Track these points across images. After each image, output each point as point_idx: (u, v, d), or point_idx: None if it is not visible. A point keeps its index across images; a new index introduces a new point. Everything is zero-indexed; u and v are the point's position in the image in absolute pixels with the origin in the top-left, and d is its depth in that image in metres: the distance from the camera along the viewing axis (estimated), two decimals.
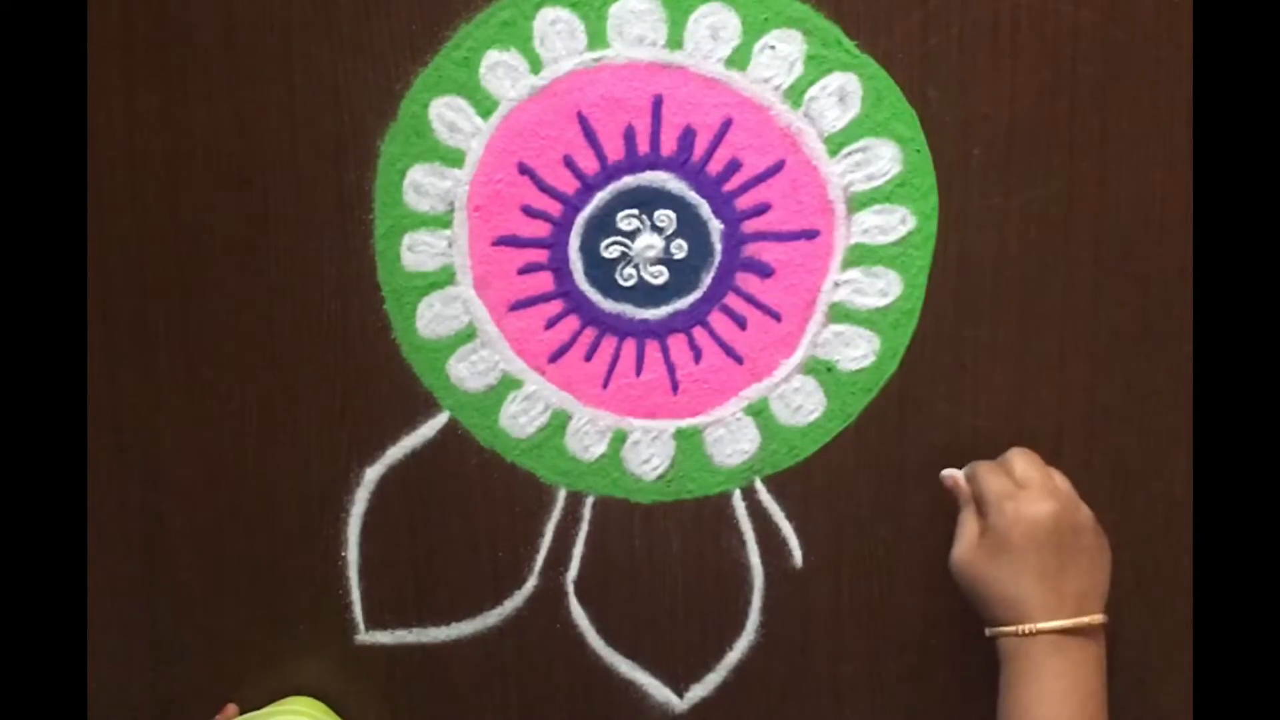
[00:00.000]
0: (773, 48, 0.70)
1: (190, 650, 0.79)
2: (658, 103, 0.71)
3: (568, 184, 0.72)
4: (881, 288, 0.73)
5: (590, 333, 0.74)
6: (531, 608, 0.78)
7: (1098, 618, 0.65)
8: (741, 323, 0.74)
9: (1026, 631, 0.64)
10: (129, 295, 0.75)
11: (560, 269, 0.74)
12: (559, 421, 0.75)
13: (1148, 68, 0.70)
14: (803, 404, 0.74)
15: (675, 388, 0.75)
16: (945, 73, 0.70)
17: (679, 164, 0.72)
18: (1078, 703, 0.64)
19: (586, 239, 0.73)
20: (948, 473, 0.71)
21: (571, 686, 0.78)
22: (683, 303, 0.74)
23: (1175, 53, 0.69)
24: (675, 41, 0.70)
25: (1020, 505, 0.65)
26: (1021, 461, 0.68)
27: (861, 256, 0.72)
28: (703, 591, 0.77)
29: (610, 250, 0.73)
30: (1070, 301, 0.72)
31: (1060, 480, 0.68)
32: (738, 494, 0.76)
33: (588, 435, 0.75)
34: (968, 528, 0.68)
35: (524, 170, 0.72)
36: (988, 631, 0.67)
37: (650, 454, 0.75)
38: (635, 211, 0.73)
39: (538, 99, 0.71)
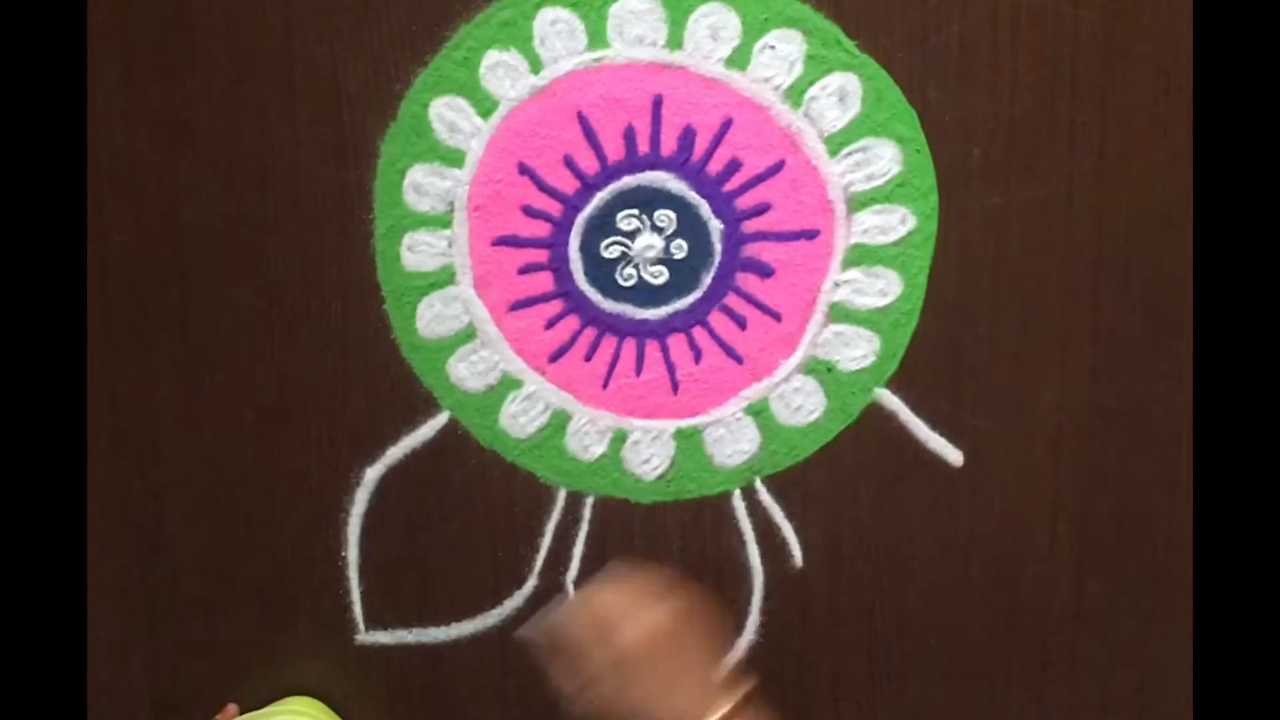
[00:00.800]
0: (773, 48, 0.70)
1: (190, 650, 0.79)
2: (658, 103, 0.71)
3: (568, 184, 0.72)
4: (881, 288, 0.73)
5: (590, 333, 0.74)
6: (531, 608, 0.77)
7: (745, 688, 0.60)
8: (741, 323, 0.74)
9: None
10: (129, 295, 0.75)
11: (560, 269, 0.74)
12: (559, 421, 0.75)
13: (1148, 68, 0.70)
14: (803, 404, 0.74)
15: (675, 388, 0.75)
16: (945, 73, 0.70)
17: (679, 164, 0.72)
18: None
19: (586, 239, 0.73)
20: None
21: None
22: (683, 303, 0.74)
23: (1175, 53, 0.69)
24: (675, 41, 0.70)
25: (646, 618, 0.61)
26: (602, 592, 0.63)
27: (861, 256, 0.72)
28: (703, 591, 0.77)
29: (610, 250, 0.73)
30: (1070, 301, 0.72)
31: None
32: (738, 494, 0.76)
33: (588, 435, 0.75)
34: (592, 661, 0.62)
35: (524, 170, 0.72)
36: None
37: (650, 454, 0.75)
38: (635, 211, 0.73)
39: (538, 99, 0.71)
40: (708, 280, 0.73)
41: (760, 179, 0.72)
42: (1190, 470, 0.74)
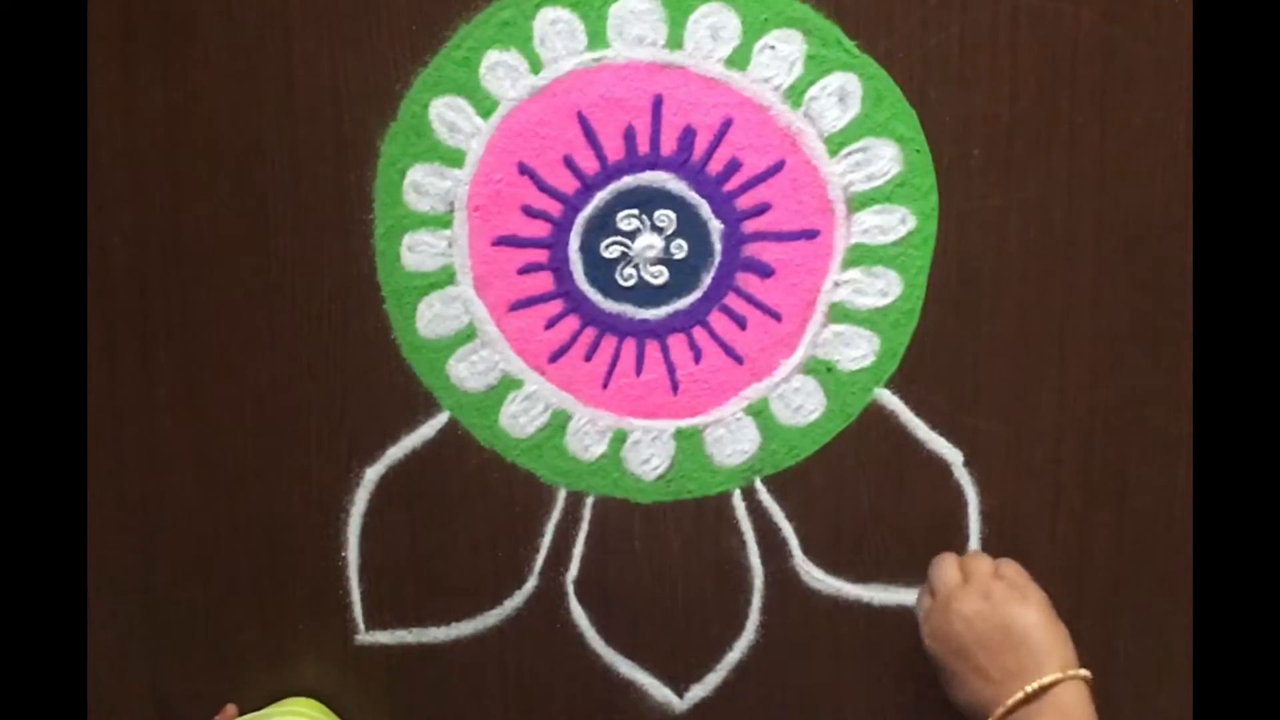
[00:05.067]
0: (773, 48, 0.70)
1: (190, 650, 0.79)
2: (658, 103, 0.71)
3: (568, 184, 0.72)
4: (881, 288, 0.73)
5: (590, 333, 0.74)
6: (531, 608, 0.78)
7: (1045, 679, 0.62)
8: (741, 323, 0.74)
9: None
10: (129, 295, 0.75)
11: (560, 269, 0.74)
12: (559, 421, 0.75)
13: (1148, 68, 0.70)
14: (803, 404, 0.74)
15: (675, 388, 0.75)
16: (945, 73, 0.70)
17: (679, 164, 0.72)
18: None
19: (586, 239, 0.73)
20: None
21: (571, 686, 0.78)
22: (683, 303, 0.74)
23: (1175, 53, 0.69)
24: (675, 41, 0.70)
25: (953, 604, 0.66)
26: (973, 560, 0.69)
27: (861, 256, 0.72)
28: (703, 591, 0.77)
29: (610, 250, 0.73)
30: (1070, 301, 0.72)
31: (1006, 573, 0.67)
32: (738, 494, 0.76)
33: (588, 435, 0.75)
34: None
35: (524, 170, 0.72)
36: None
37: (650, 454, 0.75)
38: (635, 211, 0.73)
39: (538, 99, 0.71)
40: (708, 280, 0.73)
41: (760, 179, 0.72)
42: (1190, 470, 0.74)
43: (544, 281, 0.74)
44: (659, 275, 0.73)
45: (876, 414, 0.74)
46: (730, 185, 0.72)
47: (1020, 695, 0.61)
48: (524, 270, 0.74)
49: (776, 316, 0.73)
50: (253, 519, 0.77)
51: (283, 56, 0.72)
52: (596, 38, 0.70)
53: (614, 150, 0.72)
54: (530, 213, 0.73)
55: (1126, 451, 0.74)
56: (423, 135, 0.72)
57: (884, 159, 0.71)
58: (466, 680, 0.79)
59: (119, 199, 0.74)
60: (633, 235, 0.73)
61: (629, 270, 0.73)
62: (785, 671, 0.77)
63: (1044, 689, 0.61)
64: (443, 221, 0.73)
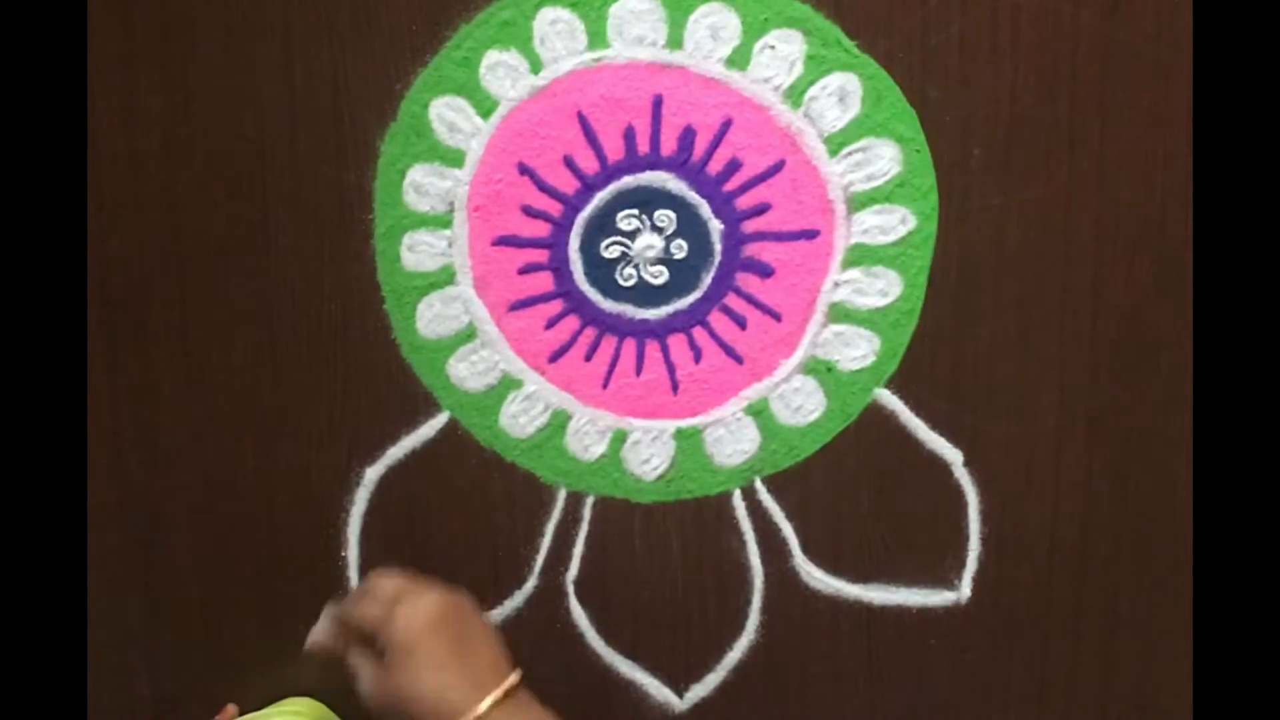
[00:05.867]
0: (773, 48, 0.70)
1: (190, 650, 0.79)
2: (658, 103, 0.71)
3: (568, 184, 0.72)
4: (881, 288, 0.73)
5: (590, 333, 0.74)
6: (531, 608, 0.78)
7: (515, 676, 0.63)
8: (741, 323, 0.74)
9: (481, 716, 0.61)
10: (129, 295, 0.75)
11: (560, 269, 0.74)
12: (559, 421, 0.75)
13: (1148, 68, 0.70)
14: (803, 404, 0.74)
15: (675, 388, 0.75)
16: (945, 73, 0.70)
17: (679, 164, 0.72)
18: None
19: (586, 239, 0.73)
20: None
21: (571, 686, 0.78)
22: (683, 303, 0.74)
23: (1175, 53, 0.69)
24: (675, 41, 0.70)
25: (411, 607, 0.62)
26: (383, 580, 0.65)
27: (861, 256, 0.72)
28: (703, 591, 0.77)
29: (610, 250, 0.73)
30: (1070, 301, 0.72)
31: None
32: (738, 494, 0.76)
33: (588, 435, 0.75)
34: (363, 663, 0.64)
35: (524, 170, 0.72)
36: None
37: (650, 454, 0.75)
38: (635, 211, 0.73)
39: (538, 99, 0.71)
40: (708, 280, 0.73)
41: (760, 179, 0.72)
42: (1190, 470, 0.74)
43: (544, 281, 0.74)
44: (659, 275, 0.73)
45: (876, 414, 0.74)
46: (730, 185, 0.72)
47: (500, 693, 0.61)
48: (524, 270, 0.74)
49: (776, 316, 0.73)
50: (253, 519, 0.77)
51: (283, 56, 0.72)
52: (596, 38, 0.70)
53: (614, 150, 0.72)
54: (530, 213, 0.73)
55: (1126, 451, 0.74)
56: (423, 135, 0.72)
57: (884, 159, 0.71)
58: None
59: (119, 199, 0.74)
60: (633, 235, 0.73)
61: (629, 270, 0.73)
62: (785, 671, 0.77)
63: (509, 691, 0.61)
64: (443, 221, 0.73)
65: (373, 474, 0.76)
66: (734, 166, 0.72)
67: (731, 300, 0.73)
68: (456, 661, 0.62)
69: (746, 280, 0.73)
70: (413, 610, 0.62)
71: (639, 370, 0.75)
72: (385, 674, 0.62)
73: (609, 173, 0.72)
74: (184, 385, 0.76)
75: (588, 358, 0.75)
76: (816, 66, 0.70)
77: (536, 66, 0.71)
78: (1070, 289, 0.72)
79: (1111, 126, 0.71)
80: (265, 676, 0.76)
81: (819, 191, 0.72)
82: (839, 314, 0.73)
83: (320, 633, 0.67)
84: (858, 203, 0.72)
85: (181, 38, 0.72)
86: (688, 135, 0.71)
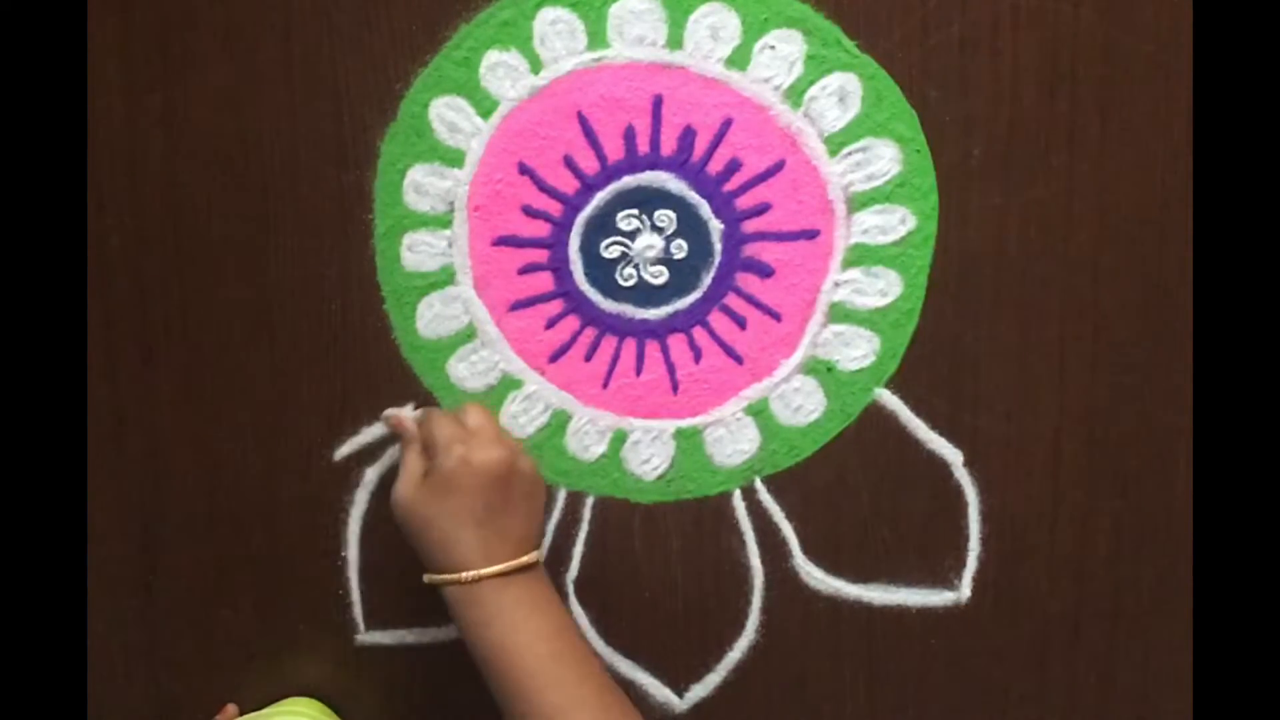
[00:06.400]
0: (773, 48, 0.70)
1: (190, 650, 0.79)
2: (658, 103, 0.71)
3: (568, 184, 0.72)
4: (881, 288, 0.73)
5: (590, 333, 0.74)
6: None
7: (534, 555, 0.66)
8: (741, 323, 0.74)
9: (469, 579, 0.63)
10: (129, 295, 0.75)
11: (560, 269, 0.74)
12: (559, 421, 0.75)
13: (1148, 68, 0.70)
14: (803, 404, 0.74)
15: (675, 388, 0.75)
16: (945, 73, 0.70)
17: (679, 164, 0.72)
18: (551, 628, 0.64)
19: (586, 239, 0.73)
20: (391, 412, 0.72)
21: None
22: (683, 303, 0.74)
23: (1175, 53, 0.69)
24: (675, 41, 0.70)
25: (470, 450, 0.65)
26: (474, 412, 0.69)
27: (861, 256, 0.72)
28: (703, 591, 0.77)
29: (610, 250, 0.73)
30: (1070, 301, 0.72)
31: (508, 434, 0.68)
32: (738, 494, 0.76)
33: (588, 435, 0.75)
34: (411, 466, 0.67)
35: (524, 170, 0.72)
36: (426, 579, 0.66)
37: (650, 454, 0.75)
38: (635, 211, 0.73)
39: (538, 99, 0.71)
40: (708, 280, 0.73)
41: (760, 179, 0.72)
42: (1190, 470, 0.74)
43: (544, 281, 0.74)
44: (659, 275, 0.73)
45: (876, 414, 0.74)
46: (730, 185, 0.72)
47: (510, 565, 0.63)
48: (524, 270, 0.74)
49: (776, 316, 0.73)
50: (253, 519, 0.77)
51: (283, 56, 0.72)
52: (596, 38, 0.70)
53: (614, 150, 0.72)
54: (530, 213, 0.73)
55: (1126, 451, 0.74)
56: (423, 135, 0.72)
57: (884, 159, 0.71)
58: (466, 680, 0.79)
59: (119, 199, 0.74)
60: (633, 235, 0.73)
61: (629, 270, 0.73)
62: (785, 671, 0.77)
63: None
64: (443, 221, 0.73)
65: (373, 474, 0.76)
66: (734, 166, 0.72)
67: (731, 300, 0.73)
68: (480, 522, 0.64)
69: (746, 280, 0.73)
70: (468, 454, 0.65)
71: (639, 370, 0.75)
72: (417, 491, 0.65)
73: (609, 173, 0.72)
74: (184, 385, 0.76)
75: (588, 358, 0.75)
76: (816, 66, 0.70)
77: (536, 66, 0.71)
78: (1070, 289, 0.72)
79: (1111, 126, 0.71)
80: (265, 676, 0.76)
81: (819, 191, 0.72)
82: (839, 314, 0.73)
83: (404, 414, 0.71)
84: (858, 203, 0.72)
85: (181, 37, 0.72)
86: (688, 135, 0.71)
